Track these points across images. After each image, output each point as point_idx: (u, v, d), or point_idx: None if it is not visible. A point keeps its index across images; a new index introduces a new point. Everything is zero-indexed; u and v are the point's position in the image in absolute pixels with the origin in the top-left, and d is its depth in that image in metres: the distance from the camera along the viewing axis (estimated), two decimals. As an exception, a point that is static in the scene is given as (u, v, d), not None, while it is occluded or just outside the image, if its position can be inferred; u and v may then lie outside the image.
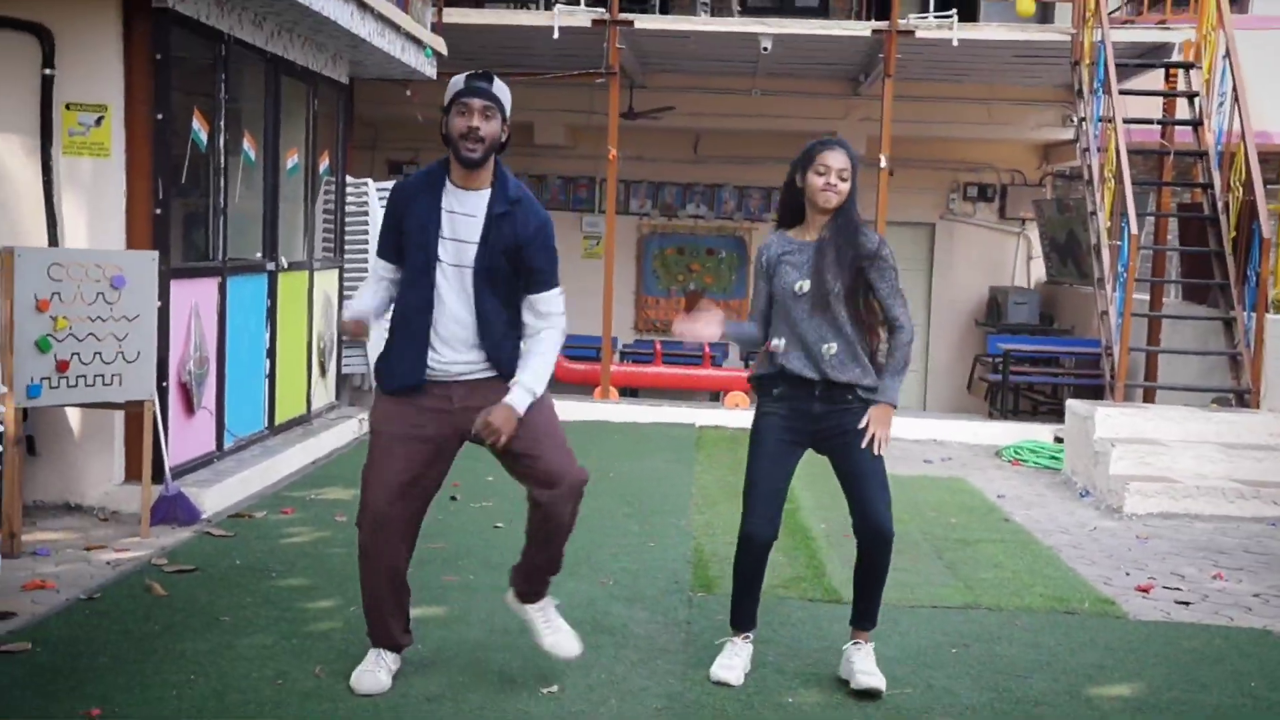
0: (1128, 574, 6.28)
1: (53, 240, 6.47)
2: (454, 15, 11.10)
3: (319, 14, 7.42)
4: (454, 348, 4.08)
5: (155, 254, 6.32)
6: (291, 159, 8.63)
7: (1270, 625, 5.46)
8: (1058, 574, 6.15)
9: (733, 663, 4.43)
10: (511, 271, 4.07)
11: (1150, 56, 11.34)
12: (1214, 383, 9.62)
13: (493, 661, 4.51)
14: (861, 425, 4.30)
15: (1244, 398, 9.08)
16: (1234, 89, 9.63)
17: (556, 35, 11.03)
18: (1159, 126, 10.95)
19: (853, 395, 4.31)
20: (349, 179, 9.93)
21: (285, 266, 8.39)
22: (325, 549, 6.03)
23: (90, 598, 5.09)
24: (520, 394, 4.01)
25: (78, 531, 6.21)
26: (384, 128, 14.16)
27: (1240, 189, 9.49)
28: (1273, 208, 10.04)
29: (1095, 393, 10.83)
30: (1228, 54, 9.75)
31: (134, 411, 6.34)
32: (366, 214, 9.89)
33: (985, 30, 11.27)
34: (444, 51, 10.23)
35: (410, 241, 4.06)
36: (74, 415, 6.55)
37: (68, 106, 6.48)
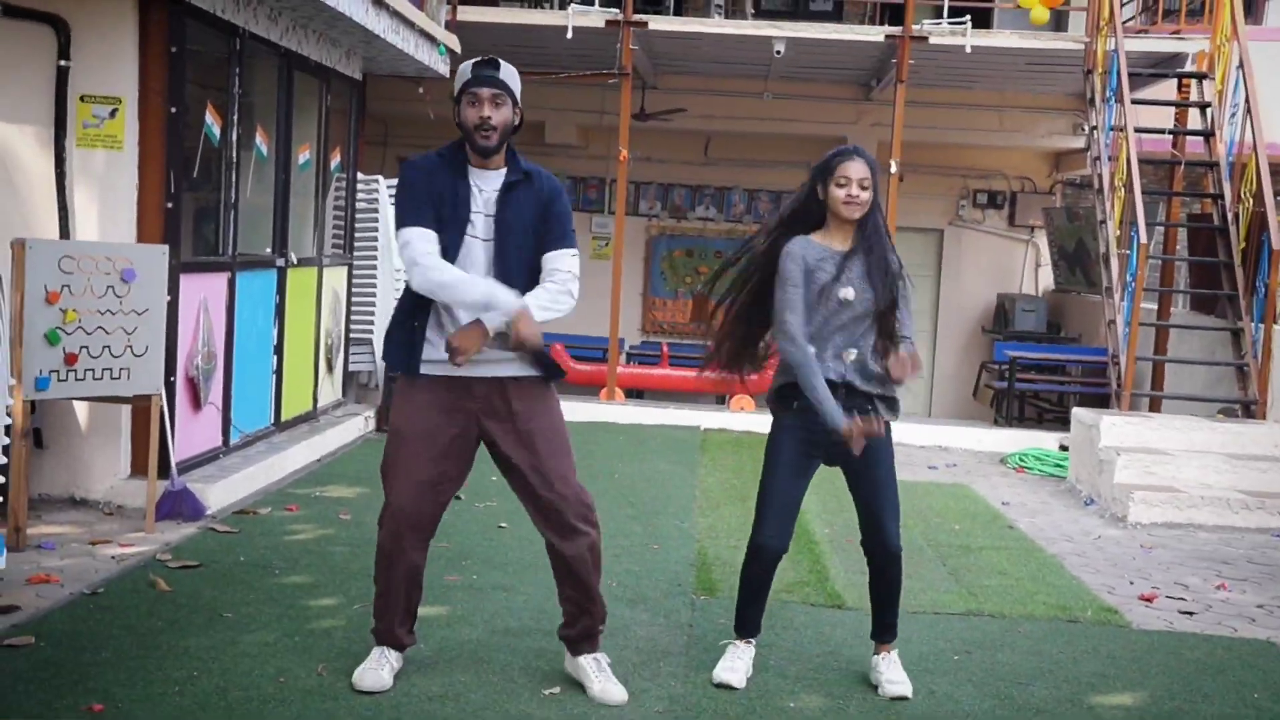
0: (1131, 583, 6.28)
1: (64, 232, 6.47)
2: (468, 13, 11.11)
3: (333, 9, 7.44)
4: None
5: (165, 248, 6.32)
6: (303, 155, 8.64)
7: (1274, 637, 5.45)
8: (1061, 582, 6.15)
9: (735, 665, 4.44)
10: (535, 247, 4.15)
11: (1164, 66, 11.34)
12: (1220, 393, 9.60)
13: (495, 662, 4.52)
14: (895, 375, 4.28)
15: (1250, 409, 9.07)
16: (1246, 100, 9.62)
17: (570, 35, 11.04)
18: (1170, 136, 10.94)
19: (871, 406, 4.32)
20: (360, 176, 9.94)
21: (295, 262, 8.40)
22: (329, 547, 6.04)
23: (94, 592, 5.10)
24: (494, 316, 4.00)
25: (83, 525, 6.22)
26: (395, 124, 14.17)
27: (1251, 200, 9.48)
28: (1283, 219, 10.01)
29: (1101, 401, 10.81)
30: (1241, 65, 9.74)
31: (141, 406, 6.34)
32: (377, 211, 9.89)
33: (999, 37, 11.28)
34: (457, 49, 10.24)
35: (440, 215, 4.10)
36: (81, 409, 6.56)
37: (82, 98, 6.49)
